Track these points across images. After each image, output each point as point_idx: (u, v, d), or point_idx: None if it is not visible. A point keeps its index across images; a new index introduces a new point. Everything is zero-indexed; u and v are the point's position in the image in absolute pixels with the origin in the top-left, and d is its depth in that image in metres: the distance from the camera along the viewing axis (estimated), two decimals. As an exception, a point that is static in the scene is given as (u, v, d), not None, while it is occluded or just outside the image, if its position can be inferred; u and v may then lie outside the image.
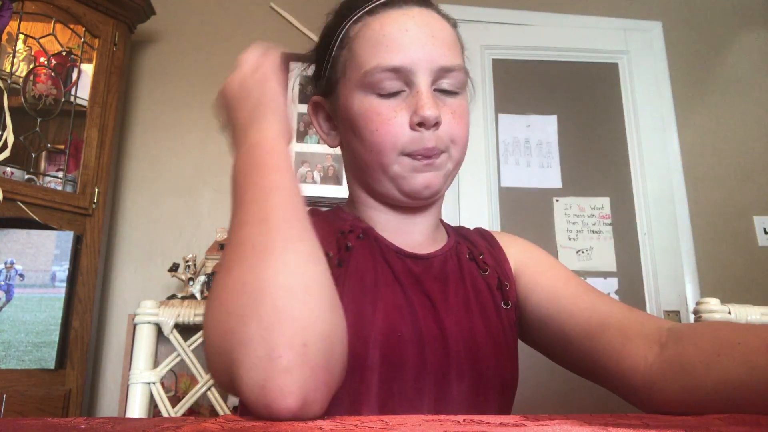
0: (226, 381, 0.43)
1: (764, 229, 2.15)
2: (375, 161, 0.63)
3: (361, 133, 0.63)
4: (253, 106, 0.55)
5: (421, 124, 0.61)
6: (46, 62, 1.77)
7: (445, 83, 0.63)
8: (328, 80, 0.68)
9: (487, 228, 0.79)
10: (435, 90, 0.63)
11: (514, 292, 0.69)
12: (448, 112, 0.63)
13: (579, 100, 2.25)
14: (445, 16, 0.67)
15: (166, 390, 1.47)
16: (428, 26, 0.63)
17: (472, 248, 0.71)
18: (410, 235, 0.68)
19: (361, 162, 0.65)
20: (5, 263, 1.57)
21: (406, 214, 0.68)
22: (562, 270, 0.71)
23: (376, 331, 0.59)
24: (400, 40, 0.61)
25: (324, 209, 0.72)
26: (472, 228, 0.79)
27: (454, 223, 0.78)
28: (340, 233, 0.65)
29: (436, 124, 0.61)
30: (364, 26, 0.64)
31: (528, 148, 2.20)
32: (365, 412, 0.56)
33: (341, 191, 2.04)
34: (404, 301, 0.62)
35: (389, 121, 0.61)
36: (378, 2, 0.64)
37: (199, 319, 0.88)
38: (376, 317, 0.59)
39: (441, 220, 0.75)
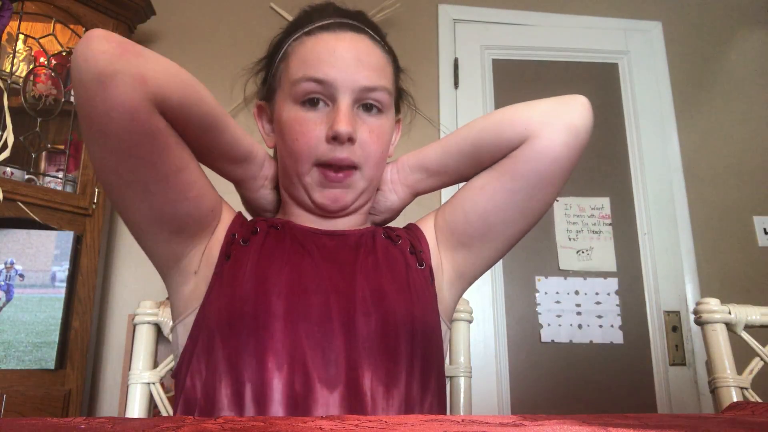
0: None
1: (764, 229, 2.15)
2: (293, 168, 0.71)
3: (285, 140, 0.71)
4: None
5: (334, 138, 0.68)
6: (46, 62, 1.77)
7: (368, 103, 0.71)
8: (269, 88, 0.77)
9: None
10: (359, 107, 0.71)
11: (428, 257, 0.75)
12: (365, 131, 0.70)
13: (579, 100, 2.25)
14: (378, 41, 0.74)
15: (166, 390, 1.47)
16: (355, 50, 0.70)
17: (388, 230, 0.78)
18: (330, 227, 0.75)
19: (284, 166, 0.74)
20: (5, 263, 1.57)
21: (325, 218, 0.75)
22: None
23: (281, 285, 0.65)
24: (326, 58, 0.69)
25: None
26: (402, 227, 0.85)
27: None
28: (254, 223, 0.74)
29: (350, 140, 0.68)
30: (300, 44, 0.73)
31: (528, 148, 2.20)
32: (271, 355, 0.61)
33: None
34: (312, 265, 0.68)
35: (308, 133, 0.69)
36: (316, 25, 0.73)
37: (198, 319, 0.88)
38: (281, 277, 0.65)
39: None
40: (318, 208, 0.73)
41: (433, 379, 0.69)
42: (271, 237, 0.71)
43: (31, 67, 1.75)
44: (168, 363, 0.90)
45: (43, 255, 1.60)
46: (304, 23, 0.74)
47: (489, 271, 2.23)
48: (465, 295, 0.80)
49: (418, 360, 0.67)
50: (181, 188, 0.64)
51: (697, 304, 0.93)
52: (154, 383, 0.88)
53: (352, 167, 0.70)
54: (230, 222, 0.73)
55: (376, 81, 0.71)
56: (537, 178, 0.70)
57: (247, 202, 0.80)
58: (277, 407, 0.60)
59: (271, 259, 0.68)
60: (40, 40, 1.74)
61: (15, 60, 1.74)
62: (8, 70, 1.69)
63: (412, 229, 0.79)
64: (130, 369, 0.88)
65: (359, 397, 0.61)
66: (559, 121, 0.70)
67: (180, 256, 0.70)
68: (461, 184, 0.78)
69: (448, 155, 0.75)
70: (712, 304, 0.92)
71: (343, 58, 0.69)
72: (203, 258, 0.70)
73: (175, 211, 0.65)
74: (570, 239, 2.10)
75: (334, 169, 0.69)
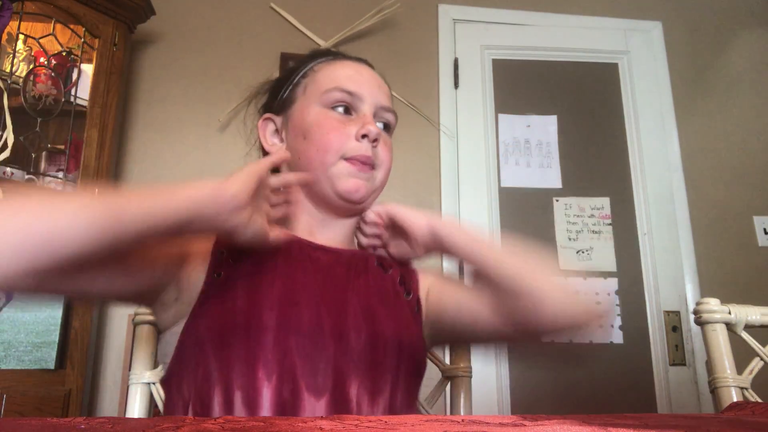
0: None
1: (764, 229, 2.14)
2: (319, 159, 0.76)
3: (313, 135, 0.77)
4: None
5: (364, 136, 0.76)
6: (46, 62, 1.77)
7: (382, 119, 0.81)
8: (285, 101, 0.83)
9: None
10: (375, 121, 0.79)
11: (417, 289, 0.80)
12: (382, 141, 0.79)
13: (579, 100, 2.25)
14: (385, 81, 0.86)
15: (166, 390, 1.46)
16: (375, 78, 0.83)
17: (380, 259, 0.82)
18: (323, 237, 0.79)
19: (306, 162, 0.77)
20: (5, 263, 1.57)
21: (328, 215, 0.80)
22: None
23: (272, 299, 0.67)
24: (355, 76, 0.80)
25: None
26: None
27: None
28: None
29: (375, 141, 0.77)
30: (327, 64, 0.82)
31: (528, 148, 2.20)
32: (261, 365, 0.64)
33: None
34: (304, 278, 0.71)
35: (338, 129, 0.76)
36: (340, 54, 0.84)
37: (198, 319, 0.88)
38: (273, 290, 0.68)
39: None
40: (340, 197, 0.76)
41: (415, 394, 0.75)
42: (261, 252, 0.71)
43: (31, 67, 1.75)
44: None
45: (43, 255, 1.60)
46: (326, 54, 0.85)
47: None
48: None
49: (402, 374, 0.71)
50: (102, 287, 0.64)
51: (697, 304, 0.93)
52: (154, 383, 0.88)
53: (373, 166, 0.78)
54: (212, 244, 0.72)
55: (390, 104, 0.82)
56: (528, 332, 0.73)
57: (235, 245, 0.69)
58: (265, 414, 0.63)
59: (263, 272, 0.70)
60: (40, 40, 1.74)
61: (15, 60, 1.74)
62: (8, 70, 1.69)
63: (406, 264, 0.83)
64: (130, 369, 0.88)
65: (345, 404, 0.65)
66: (565, 314, 0.71)
67: (151, 300, 0.73)
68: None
69: (467, 259, 0.75)
70: (712, 304, 0.92)
71: (368, 80, 0.81)
72: (181, 288, 0.70)
73: (111, 294, 0.70)
74: (570, 239, 2.10)
75: (361, 162, 0.76)
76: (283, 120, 0.82)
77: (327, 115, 0.77)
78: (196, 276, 0.70)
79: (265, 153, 0.84)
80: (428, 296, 0.81)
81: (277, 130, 0.83)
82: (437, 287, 0.81)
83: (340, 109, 0.78)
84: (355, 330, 0.68)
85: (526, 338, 0.75)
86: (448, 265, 0.89)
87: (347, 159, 0.75)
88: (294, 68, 0.85)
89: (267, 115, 0.84)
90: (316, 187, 0.77)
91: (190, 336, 0.68)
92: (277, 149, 0.82)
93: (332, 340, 0.67)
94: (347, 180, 0.75)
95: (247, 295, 0.67)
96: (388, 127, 0.82)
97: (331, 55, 0.84)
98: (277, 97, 0.84)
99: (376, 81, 0.82)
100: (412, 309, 0.77)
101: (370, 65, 0.85)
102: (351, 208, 0.79)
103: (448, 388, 0.93)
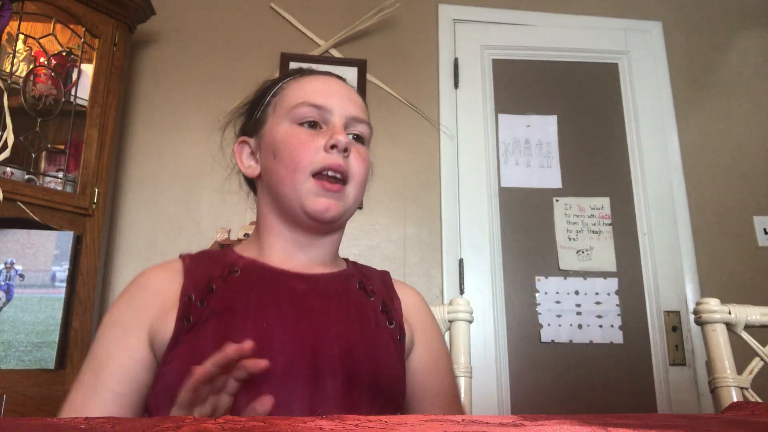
0: None
1: (764, 229, 2.15)
2: (289, 177, 0.74)
3: (282, 153, 0.75)
4: None
5: (333, 147, 0.73)
6: (46, 62, 1.77)
7: (354, 131, 0.78)
8: (257, 121, 0.81)
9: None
10: (346, 132, 0.77)
11: (399, 316, 0.78)
12: (354, 152, 0.76)
13: (579, 100, 2.25)
14: (357, 93, 0.85)
15: (166, 390, 1.46)
16: (345, 90, 0.81)
17: (363, 279, 0.80)
18: (301, 261, 0.77)
19: (276, 181, 0.76)
20: (5, 263, 1.57)
21: (305, 237, 0.77)
22: (444, 361, 0.82)
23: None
24: (323, 89, 0.78)
25: (216, 250, 0.82)
26: (379, 269, 0.87)
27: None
28: (209, 278, 0.72)
29: (346, 150, 0.74)
30: (296, 81, 0.81)
31: (528, 148, 2.20)
32: (235, 414, 0.60)
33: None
34: (278, 318, 0.68)
35: (307, 144, 0.74)
36: (309, 71, 0.83)
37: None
38: (244, 336, 0.62)
39: (345, 259, 0.85)
40: (310, 217, 0.74)
41: None
42: (231, 290, 0.70)
43: (31, 67, 1.75)
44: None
45: (43, 255, 1.60)
46: (295, 72, 0.83)
47: (489, 271, 2.21)
48: (465, 295, 0.81)
49: (376, 412, 0.69)
50: None
51: (697, 304, 0.93)
52: (154, 383, 0.87)
53: (344, 181, 0.75)
54: (180, 289, 0.71)
55: (361, 114, 0.80)
56: None
57: None
58: None
59: (233, 316, 0.67)
60: (40, 40, 1.74)
61: (15, 60, 1.73)
62: (8, 70, 1.69)
63: (389, 288, 0.82)
64: (130, 369, 0.88)
65: None
66: None
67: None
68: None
69: None
70: (712, 304, 0.92)
71: (337, 92, 0.79)
72: (155, 348, 0.70)
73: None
74: (570, 239, 2.10)
75: (330, 180, 0.74)
76: (257, 141, 0.81)
77: (294, 132, 0.75)
78: (165, 325, 0.68)
79: (244, 176, 0.85)
80: (412, 337, 0.79)
81: (252, 152, 0.82)
82: (425, 359, 0.80)
83: (310, 124, 0.75)
84: (331, 373, 0.66)
85: None
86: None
87: (316, 177, 0.73)
88: (265, 89, 0.84)
89: (242, 138, 0.83)
90: (286, 208, 0.76)
91: (161, 381, 0.67)
92: (253, 170, 0.81)
93: (307, 385, 0.65)
94: (316, 200, 0.73)
95: (217, 341, 0.62)
96: (362, 139, 0.80)
97: (301, 72, 0.83)
98: (250, 119, 0.83)
99: (345, 92, 0.80)
100: (394, 339, 0.75)
101: (342, 79, 0.83)
102: (324, 228, 0.77)
103: (448, 388, 0.93)
